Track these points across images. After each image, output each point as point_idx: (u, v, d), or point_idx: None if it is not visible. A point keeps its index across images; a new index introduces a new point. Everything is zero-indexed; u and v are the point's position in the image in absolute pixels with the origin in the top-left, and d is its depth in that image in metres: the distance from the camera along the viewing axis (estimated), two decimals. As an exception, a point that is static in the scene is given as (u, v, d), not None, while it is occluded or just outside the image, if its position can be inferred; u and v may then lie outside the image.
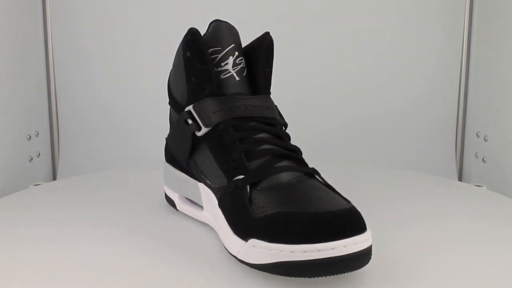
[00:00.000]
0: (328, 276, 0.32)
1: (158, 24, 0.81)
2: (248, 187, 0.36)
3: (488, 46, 0.76)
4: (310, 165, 0.40)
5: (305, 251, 0.30)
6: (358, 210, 0.34)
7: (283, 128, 0.43)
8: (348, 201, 0.35)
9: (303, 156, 0.41)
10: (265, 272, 0.32)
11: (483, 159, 0.77)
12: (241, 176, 0.37)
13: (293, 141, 0.46)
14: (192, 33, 0.42)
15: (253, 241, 0.33)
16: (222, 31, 0.42)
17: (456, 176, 0.83)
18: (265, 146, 0.38)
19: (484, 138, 0.77)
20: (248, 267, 0.34)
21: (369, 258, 0.33)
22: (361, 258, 0.31)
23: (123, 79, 0.82)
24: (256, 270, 0.33)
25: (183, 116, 0.43)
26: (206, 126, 0.41)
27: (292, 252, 0.30)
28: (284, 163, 0.37)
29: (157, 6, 0.80)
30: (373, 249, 0.39)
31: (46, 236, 0.43)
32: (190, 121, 0.42)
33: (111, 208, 0.51)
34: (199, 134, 0.41)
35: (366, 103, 0.83)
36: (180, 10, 0.80)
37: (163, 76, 0.82)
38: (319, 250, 0.30)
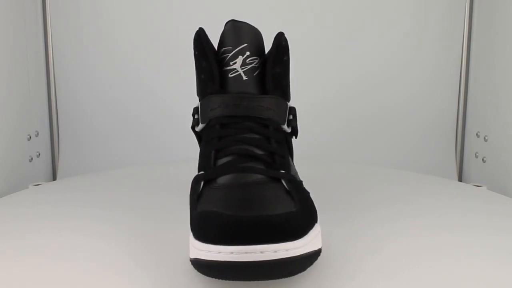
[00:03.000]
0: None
1: (159, 22, 0.81)
2: (202, 183, 0.36)
3: (488, 46, 0.76)
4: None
5: (209, 251, 0.30)
6: (300, 219, 0.32)
7: (290, 131, 0.42)
8: (298, 208, 0.33)
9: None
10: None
11: (483, 159, 0.77)
12: (202, 172, 0.38)
13: (292, 141, 0.46)
14: (197, 33, 0.43)
15: (191, 236, 0.33)
16: (234, 31, 0.42)
17: (456, 176, 0.83)
18: (242, 146, 0.38)
19: (484, 138, 0.77)
20: None
21: (290, 270, 0.31)
22: (270, 268, 0.30)
23: (124, 79, 0.82)
24: None
25: (193, 112, 0.44)
26: (202, 122, 0.42)
27: (201, 250, 0.30)
28: (251, 164, 0.37)
29: (158, 4, 0.80)
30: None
31: (45, 235, 0.43)
32: (196, 116, 0.43)
33: (111, 208, 0.51)
34: (197, 129, 0.43)
35: (366, 102, 0.83)
36: (181, 7, 0.80)
37: (164, 76, 0.82)
38: (219, 252, 0.29)
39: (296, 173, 0.42)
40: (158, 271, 0.36)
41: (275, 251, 0.29)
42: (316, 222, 0.35)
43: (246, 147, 0.38)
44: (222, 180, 0.36)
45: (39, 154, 0.79)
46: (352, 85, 0.83)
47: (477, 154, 0.79)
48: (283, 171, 0.37)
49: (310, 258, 0.32)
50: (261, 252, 0.29)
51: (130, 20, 0.80)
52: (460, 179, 0.84)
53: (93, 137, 0.83)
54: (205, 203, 0.34)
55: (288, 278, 0.34)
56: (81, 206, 0.52)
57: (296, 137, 0.44)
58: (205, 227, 0.31)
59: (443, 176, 0.81)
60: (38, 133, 0.78)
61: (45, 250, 0.40)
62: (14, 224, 0.46)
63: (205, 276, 0.34)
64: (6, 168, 0.69)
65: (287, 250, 0.30)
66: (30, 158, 0.76)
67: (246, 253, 0.29)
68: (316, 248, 0.33)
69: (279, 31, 0.44)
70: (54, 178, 0.83)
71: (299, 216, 0.32)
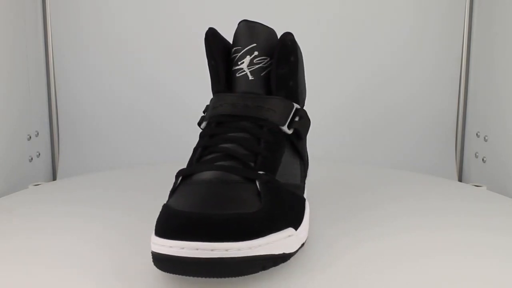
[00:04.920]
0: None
1: (159, 22, 0.81)
2: (180, 178, 0.37)
3: (488, 46, 0.76)
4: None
5: (154, 243, 0.31)
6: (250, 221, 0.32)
7: (291, 132, 0.42)
8: (259, 211, 0.33)
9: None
10: None
11: (483, 159, 0.77)
12: (183, 168, 0.38)
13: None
14: (206, 33, 0.43)
15: None
16: (245, 31, 0.42)
17: (456, 176, 0.83)
18: (227, 145, 0.38)
19: (484, 138, 0.77)
20: None
21: (232, 270, 0.30)
22: (207, 266, 0.30)
23: (124, 79, 0.82)
24: None
25: (204, 109, 0.45)
26: (205, 120, 0.42)
27: (153, 243, 0.32)
28: (230, 163, 0.37)
29: (159, 3, 0.80)
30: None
31: (45, 235, 0.43)
32: (204, 114, 0.44)
33: (110, 208, 0.51)
34: (201, 126, 0.43)
35: (365, 102, 0.83)
36: (182, 5, 0.80)
37: (164, 76, 0.82)
38: (162, 245, 0.30)
39: (295, 175, 0.42)
40: (157, 271, 0.36)
41: (212, 250, 0.30)
42: (292, 227, 0.35)
43: (233, 146, 0.38)
44: (197, 176, 0.36)
45: (39, 154, 0.79)
46: (352, 85, 0.83)
47: (477, 154, 0.79)
48: (261, 172, 0.36)
49: (263, 261, 0.32)
50: (196, 249, 0.29)
51: (130, 19, 0.80)
52: (460, 179, 0.84)
53: (93, 137, 0.83)
54: (174, 197, 0.35)
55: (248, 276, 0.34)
56: (81, 206, 0.52)
57: (302, 139, 0.43)
58: (157, 220, 0.32)
59: (443, 176, 0.81)
60: (38, 133, 0.78)
61: (45, 250, 0.40)
62: (14, 224, 0.46)
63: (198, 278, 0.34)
64: (6, 168, 0.69)
65: (226, 250, 0.30)
66: (30, 158, 0.76)
67: (182, 248, 0.30)
68: (276, 253, 0.33)
69: (285, 31, 0.44)
70: (54, 178, 0.83)
71: (256, 218, 0.32)
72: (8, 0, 0.70)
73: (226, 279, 0.34)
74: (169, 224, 0.31)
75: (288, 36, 0.42)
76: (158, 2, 0.80)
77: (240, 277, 0.34)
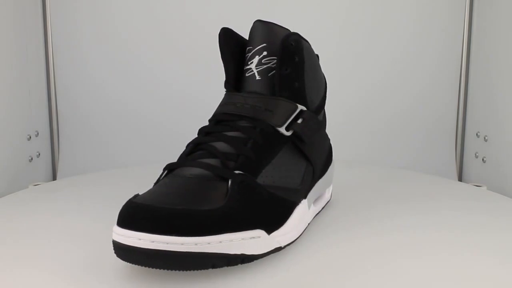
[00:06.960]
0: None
1: (159, 22, 0.81)
2: (166, 171, 0.39)
3: (488, 46, 0.76)
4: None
5: (114, 232, 0.33)
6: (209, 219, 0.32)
7: (289, 134, 0.41)
8: (216, 209, 0.33)
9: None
10: None
11: (483, 159, 0.77)
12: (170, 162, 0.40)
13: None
14: (219, 33, 0.43)
15: None
16: (256, 31, 0.43)
17: (456, 176, 0.83)
18: (217, 143, 0.39)
19: (484, 138, 0.77)
20: None
21: (174, 263, 0.31)
22: (150, 256, 0.31)
23: (124, 79, 0.82)
24: None
25: None
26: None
27: (113, 231, 0.33)
28: (210, 161, 0.38)
29: (158, 3, 0.80)
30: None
31: (44, 235, 0.43)
32: None
33: (111, 208, 0.51)
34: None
35: (365, 103, 0.83)
36: (182, 5, 0.81)
37: (163, 76, 0.82)
38: (117, 234, 0.32)
39: (292, 178, 0.41)
40: (155, 271, 0.36)
41: (152, 241, 0.31)
42: (263, 229, 0.35)
43: (223, 145, 0.39)
44: (178, 171, 0.38)
45: (39, 154, 0.79)
46: (351, 86, 0.83)
47: (477, 154, 0.79)
48: (238, 172, 0.36)
49: (214, 259, 0.32)
50: (139, 239, 0.31)
51: (130, 20, 0.80)
52: (460, 179, 0.84)
53: (93, 137, 0.83)
54: (148, 190, 0.36)
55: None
56: (81, 206, 0.52)
57: (304, 142, 0.42)
58: (121, 210, 0.34)
59: (443, 176, 0.81)
60: (38, 133, 0.78)
61: (45, 250, 0.40)
62: (14, 224, 0.46)
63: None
64: (6, 168, 0.69)
65: (167, 243, 0.31)
66: (30, 158, 0.76)
67: (129, 237, 0.31)
68: (232, 252, 0.33)
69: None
70: (54, 178, 0.83)
71: (210, 215, 0.32)
72: (8, 0, 0.70)
73: (204, 273, 0.34)
74: (123, 214, 0.32)
75: (292, 37, 0.41)
76: (157, 2, 0.80)
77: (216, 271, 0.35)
